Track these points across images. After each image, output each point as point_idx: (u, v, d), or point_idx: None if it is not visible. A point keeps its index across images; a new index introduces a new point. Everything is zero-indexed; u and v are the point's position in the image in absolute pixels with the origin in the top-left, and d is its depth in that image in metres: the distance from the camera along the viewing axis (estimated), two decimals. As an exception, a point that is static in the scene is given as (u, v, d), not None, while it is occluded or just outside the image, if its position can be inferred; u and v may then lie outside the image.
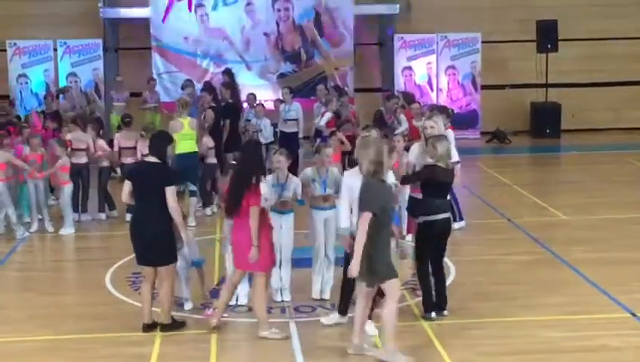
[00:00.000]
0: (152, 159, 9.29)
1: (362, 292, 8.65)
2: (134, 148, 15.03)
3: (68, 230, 14.06)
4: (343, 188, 9.24)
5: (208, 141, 15.33)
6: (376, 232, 8.29)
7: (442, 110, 13.75)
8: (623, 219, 14.17)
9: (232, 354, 8.86)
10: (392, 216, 8.74)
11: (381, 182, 8.49)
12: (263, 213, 9.16)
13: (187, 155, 14.25)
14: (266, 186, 10.15)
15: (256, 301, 9.30)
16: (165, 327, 9.36)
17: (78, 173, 14.76)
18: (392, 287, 8.43)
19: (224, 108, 16.86)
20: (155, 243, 9.14)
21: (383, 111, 16.95)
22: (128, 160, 14.98)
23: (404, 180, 10.27)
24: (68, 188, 14.11)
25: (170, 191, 9.06)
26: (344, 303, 9.53)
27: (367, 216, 8.24)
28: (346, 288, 9.40)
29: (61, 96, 20.55)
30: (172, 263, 9.32)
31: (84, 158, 14.85)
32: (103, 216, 15.04)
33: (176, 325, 9.45)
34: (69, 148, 14.66)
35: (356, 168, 8.98)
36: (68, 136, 14.92)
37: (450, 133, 13.20)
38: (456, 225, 13.45)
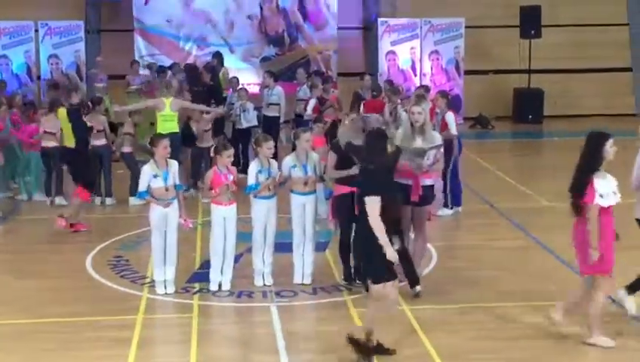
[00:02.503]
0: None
1: None
2: (103, 130, 14.75)
3: None
4: None
5: (204, 124, 15.24)
6: None
7: (443, 94, 13.69)
8: (605, 206, 14.17)
9: (213, 338, 8.81)
10: None
11: None
12: (604, 211, 8.50)
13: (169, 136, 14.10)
14: (252, 173, 10.08)
15: (593, 306, 8.52)
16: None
17: (47, 156, 14.67)
18: None
19: (207, 92, 16.75)
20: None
21: (360, 93, 17.12)
22: (96, 142, 14.73)
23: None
24: None
25: (368, 201, 7.91)
26: None
27: None
28: None
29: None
30: (375, 283, 8.09)
31: (54, 142, 14.62)
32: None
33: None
34: (42, 132, 14.57)
35: None
36: (42, 121, 14.75)
37: (451, 116, 13.19)
38: (447, 212, 13.50)
